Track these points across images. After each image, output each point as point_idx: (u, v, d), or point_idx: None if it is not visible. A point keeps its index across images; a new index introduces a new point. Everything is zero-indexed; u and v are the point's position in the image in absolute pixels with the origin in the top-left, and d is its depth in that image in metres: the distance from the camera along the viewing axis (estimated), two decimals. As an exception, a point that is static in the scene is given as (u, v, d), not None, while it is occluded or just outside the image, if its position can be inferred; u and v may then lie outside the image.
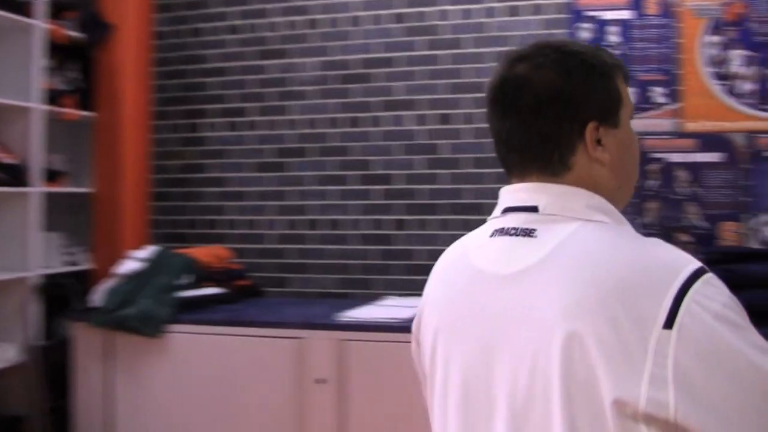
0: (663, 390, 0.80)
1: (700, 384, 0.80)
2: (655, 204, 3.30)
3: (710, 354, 0.81)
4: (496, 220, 1.01)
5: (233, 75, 3.55)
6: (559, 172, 0.97)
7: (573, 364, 0.84)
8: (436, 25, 3.42)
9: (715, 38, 3.30)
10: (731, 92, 3.29)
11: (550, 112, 0.96)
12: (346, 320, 2.87)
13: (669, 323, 0.81)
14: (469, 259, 1.01)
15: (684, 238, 3.27)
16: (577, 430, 0.84)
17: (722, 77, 3.30)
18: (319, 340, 2.79)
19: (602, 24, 3.37)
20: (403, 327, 2.81)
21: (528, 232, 0.95)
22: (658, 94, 3.32)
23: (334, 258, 3.46)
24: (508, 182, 1.05)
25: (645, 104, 3.33)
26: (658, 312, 0.82)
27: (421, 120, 3.42)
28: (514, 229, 0.96)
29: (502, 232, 0.98)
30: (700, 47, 3.32)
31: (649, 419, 0.81)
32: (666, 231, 3.28)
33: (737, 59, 3.30)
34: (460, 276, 1.02)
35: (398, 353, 2.75)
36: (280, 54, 3.53)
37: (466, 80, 3.40)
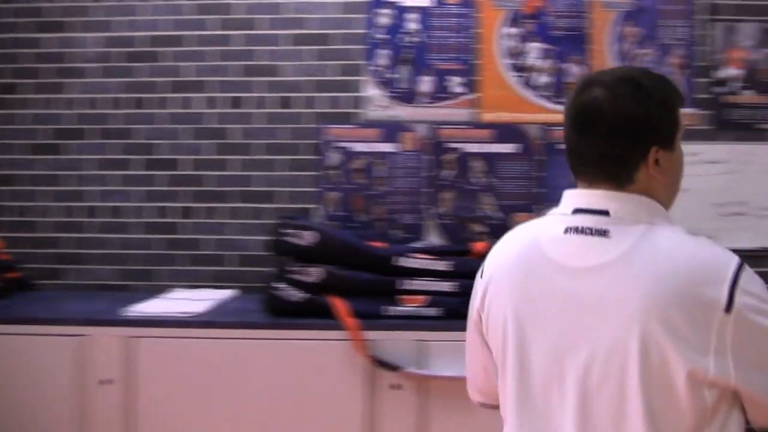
0: (725, 361, 1.14)
1: (752, 355, 1.15)
2: (450, 194, 3.49)
3: (759, 331, 1.16)
4: (566, 218, 1.32)
5: (5, 48, 3.48)
6: (624, 184, 1.30)
7: (649, 349, 1.15)
8: (229, 4, 3.47)
9: (513, 30, 3.55)
10: (527, 84, 3.55)
11: (623, 137, 1.28)
12: (133, 315, 2.85)
13: (728, 308, 1.16)
14: (543, 251, 1.30)
15: (478, 228, 3.46)
16: (652, 401, 1.15)
17: (519, 69, 3.53)
18: (104, 337, 2.76)
19: (402, 10, 3.56)
20: (198, 322, 2.81)
21: (602, 233, 1.26)
22: (455, 83, 3.54)
23: (114, 248, 3.43)
24: (574, 186, 1.37)
25: (442, 93, 3.52)
26: (720, 298, 1.16)
27: (211, 103, 3.46)
28: (589, 228, 1.27)
29: (577, 230, 1.28)
30: (498, 38, 3.56)
31: (712, 384, 1.16)
32: (461, 221, 3.47)
33: (534, 52, 3.56)
34: (537, 265, 1.30)
35: (192, 349, 2.77)
36: (59, 27, 3.52)
37: (260, 63, 3.48)
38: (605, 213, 1.28)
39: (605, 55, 3.51)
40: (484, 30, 3.51)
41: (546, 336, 1.26)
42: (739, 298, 1.16)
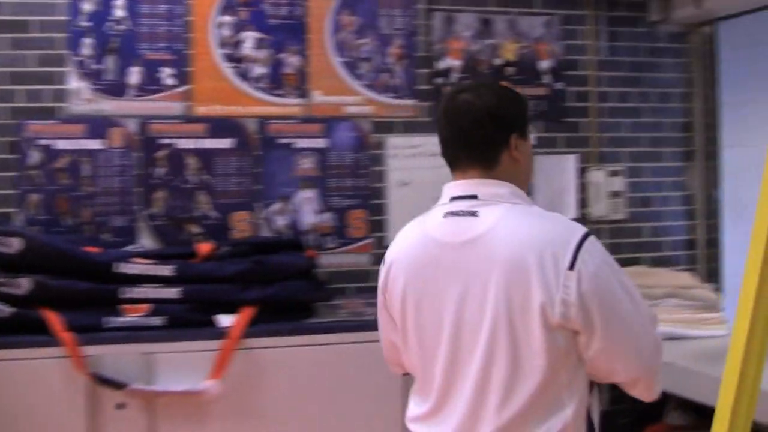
0: (569, 308, 1.57)
1: (592, 303, 1.58)
2: (163, 194, 3.55)
3: (596, 285, 1.59)
4: (445, 206, 1.76)
5: None
6: (491, 166, 1.74)
7: (512, 296, 1.61)
8: None
9: (228, 18, 3.68)
10: (243, 76, 3.72)
11: (489, 124, 1.74)
12: None
13: (571, 266, 1.59)
14: (429, 234, 1.76)
15: (195, 229, 3.55)
16: (516, 340, 1.60)
17: (234, 60, 3.66)
18: None
19: (106, -4, 3.65)
20: None
21: (472, 213, 1.70)
22: (166, 74, 3.63)
23: None
24: (452, 178, 1.82)
25: (152, 85, 3.60)
26: (565, 258, 1.59)
27: None
28: (462, 211, 1.71)
29: (453, 214, 1.73)
30: (211, 27, 3.69)
31: (560, 327, 1.59)
32: (176, 222, 3.57)
33: (249, 41, 3.75)
34: (423, 245, 1.76)
35: None
36: None
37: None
38: (474, 197, 1.74)
39: (324, 45, 3.73)
40: (197, 18, 3.62)
41: (435, 299, 1.73)
42: (582, 258, 1.61)
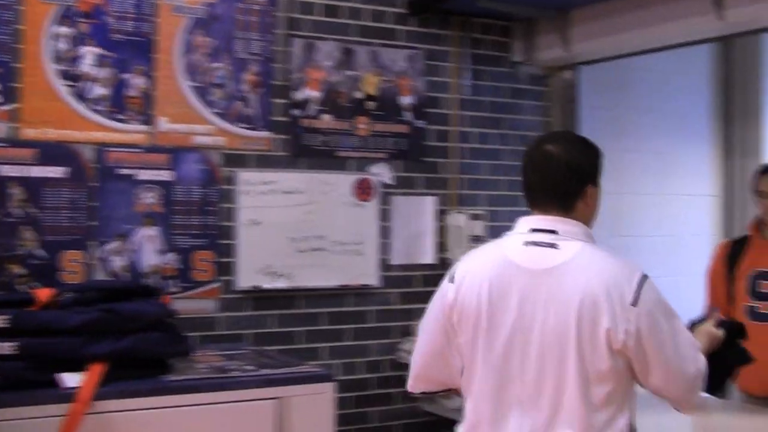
0: (629, 337, 2.04)
1: (645, 336, 2.07)
2: None
3: (653, 322, 2.09)
4: (524, 236, 2.20)
5: None
6: (568, 211, 2.21)
7: (583, 321, 2.06)
8: None
9: (65, 29, 3.66)
10: (80, 96, 3.72)
11: (569, 176, 2.21)
12: None
13: (634, 303, 2.07)
14: (508, 258, 2.19)
15: (18, 270, 3.43)
16: (584, 359, 2.08)
17: (70, 77, 3.61)
18: None
19: None
20: None
21: (553, 245, 2.16)
22: (-11, 90, 3.62)
23: None
24: (529, 213, 2.26)
25: None
26: (630, 294, 2.07)
27: None
28: (543, 242, 2.16)
29: (535, 243, 2.17)
30: (45, 38, 3.64)
31: (619, 353, 2.07)
32: None
33: (89, 57, 3.77)
34: (502, 267, 2.19)
35: None
36: None
37: None
38: (555, 232, 2.19)
39: (173, 67, 3.76)
40: (29, 27, 3.53)
41: (509, 317, 2.15)
42: (643, 296, 2.09)
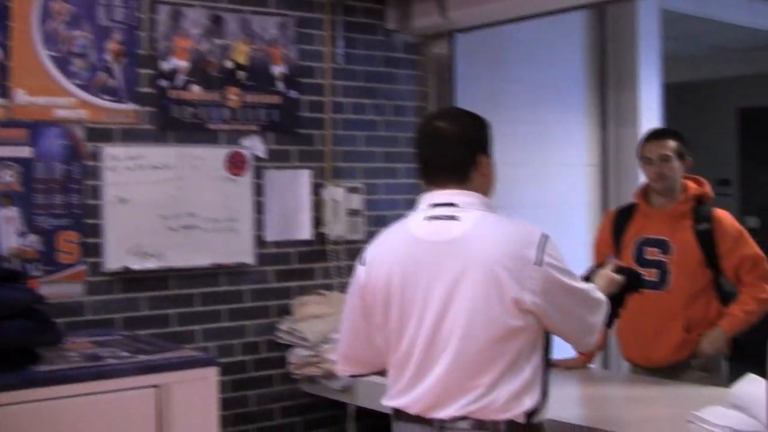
0: (535, 296, 2.32)
1: (552, 294, 2.36)
2: None
3: (556, 279, 2.37)
4: (425, 211, 2.45)
5: None
6: (464, 182, 2.46)
7: (487, 281, 2.31)
8: None
9: None
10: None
11: (461, 148, 2.47)
12: None
13: (538, 262, 2.33)
14: (413, 235, 2.43)
15: None
16: (492, 310, 2.34)
17: None
18: None
19: None
20: None
21: (452, 217, 2.39)
22: None
23: None
24: (428, 190, 2.50)
25: None
26: (532, 256, 2.33)
27: None
28: (443, 215, 2.40)
29: (435, 218, 2.41)
30: None
31: (528, 311, 2.33)
32: None
33: (-65, 25, 3.73)
34: (407, 244, 2.44)
35: None
36: None
37: None
38: (454, 204, 2.42)
39: (30, 36, 3.66)
40: None
41: (419, 292, 2.39)
42: (544, 257, 2.34)
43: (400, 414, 2.50)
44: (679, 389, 3.49)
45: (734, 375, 3.21)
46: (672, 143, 3.75)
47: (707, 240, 3.71)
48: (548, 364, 2.50)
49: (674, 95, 6.18)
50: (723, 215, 3.77)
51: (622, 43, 5.86)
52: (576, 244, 4.24)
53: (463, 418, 2.38)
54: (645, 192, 3.85)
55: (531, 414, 2.41)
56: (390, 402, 2.52)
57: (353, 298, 2.58)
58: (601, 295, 2.58)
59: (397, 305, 2.45)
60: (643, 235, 3.78)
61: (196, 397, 3.13)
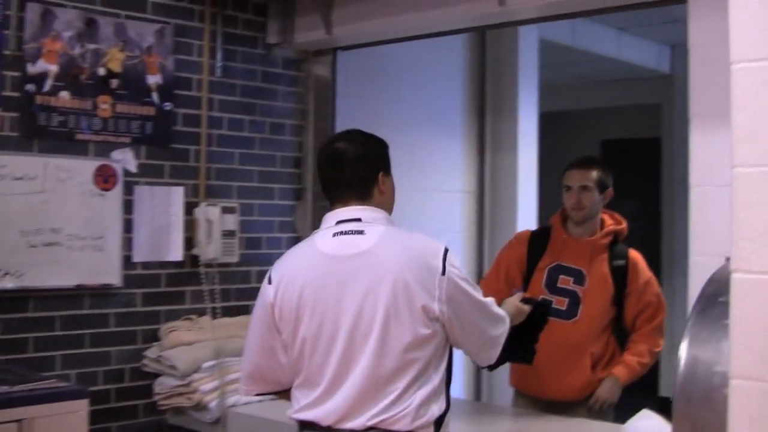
0: (442, 305, 2.46)
1: (457, 302, 2.50)
2: None
3: (461, 288, 2.51)
4: (332, 228, 2.55)
5: None
6: (366, 198, 2.60)
7: (397, 293, 2.44)
8: None
9: None
10: None
11: (361, 167, 2.60)
12: None
13: (443, 272, 2.47)
14: (320, 251, 2.53)
15: None
16: (389, 326, 2.46)
17: None
18: None
19: None
20: None
21: (360, 232, 2.52)
22: None
23: None
24: (331, 209, 2.63)
25: None
26: (438, 267, 2.47)
27: None
28: (350, 230, 2.52)
29: (342, 233, 2.52)
30: None
31: (437, 319, 2.47)
32: None
33: None
34: (314, 261, 2.54)
35: None
36: None
37: None
38: (359, 220, 2.54)
39: None
40: None
41: (330, 305, 2.47)
42: (448, 266, 2.47)
43: (309, 426, 2.54)
44: (577, 425, 3.49)
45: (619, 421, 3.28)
46: (594, 174, 3.72)
47: (621, 277, 3.72)
48: (450, 375, 2.61)
49: (545, 124, 6.28)
50: (638, 256, 3.78)
51: (502, 70, 5.92)
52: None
53: (372, 428, 2.45)
54: (563, 218, 3.82)
55: (439, 423, 2.51)
56: (299, 415, 2.56)
57: (260, 316, 2.63)
58: (502, 312, 2.70)
59: (308, 321, 2.51)
60: (558, 262, 3.74)
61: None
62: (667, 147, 8.22)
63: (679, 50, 7.80)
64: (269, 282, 2.63)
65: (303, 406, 2.55)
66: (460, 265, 2.58)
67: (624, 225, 3.82)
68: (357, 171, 2.61)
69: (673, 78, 7.87)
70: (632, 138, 9.03)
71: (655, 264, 8.50)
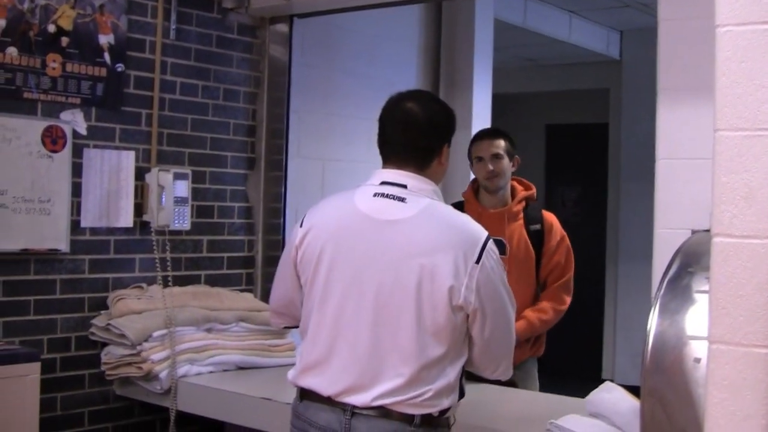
0: (470, 293, 2.36)
1: (485, 293, 2.39)
2: None
3: (492, 280, 2.42)
4: (375, 187, 2.45)
5: None
6: (423, 168, 2.50)
7: (423, 273, 2.35)
8: None
9: None
10: None
11: (430, 133, 2.52)
12: None
13: (478, 261, 2.37)
14: (356, 207, 2.45)
15: None
16: (422, 309, 2.37)
17: None
18: None
19: None
20: None
21: (401, 199, 2.42)
22: None
23: None
24: (383, 166, 2.54)
25: None
26: (474, 254, 2.37)
27: None
28: (391, 195, 2.43)
29: (383, 195, 2.43)
30: None
31: (459, 309, 2.37)
32: None
33: None
34: (349, 216, 2.46)
35: None
36: None
37: None
38: (405, 186, 2.42)
39: None
40: None
41: (351, 266, 2.39)
42: (485, 256, 2.35)
43: (308, 394, 2.47)
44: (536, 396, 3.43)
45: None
46: (503, 142, 3.78)
47: (538, 240, 3.79)
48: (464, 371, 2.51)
49: (493, 106, 6.22)
50: (552, 217, 3.87)
51: (457, 48, 5.83)
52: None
53: (378, 408, 2.36)
54: (475, 191, 3.80)
55: (444, 411, 2.44)
56: (299, 382, 2.49)
57: (286, 255, 2.61)
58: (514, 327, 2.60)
59: (324, 274, 2.45)
60: None
61: (16, 395, 2.78)
62: (614, 132, 8.22)
63: (628, 36, 7.80)
64: (300, 225, 2.57)
65: (302, 368, 2.48)
66: (499, 258, 2.46)
67: (533, 189, 3.91)
68: (424, 139, 2.50)
69: (622, 63, 7.86)
70: (579, 123, 9.03)
71: (599, 249, 8.53)
